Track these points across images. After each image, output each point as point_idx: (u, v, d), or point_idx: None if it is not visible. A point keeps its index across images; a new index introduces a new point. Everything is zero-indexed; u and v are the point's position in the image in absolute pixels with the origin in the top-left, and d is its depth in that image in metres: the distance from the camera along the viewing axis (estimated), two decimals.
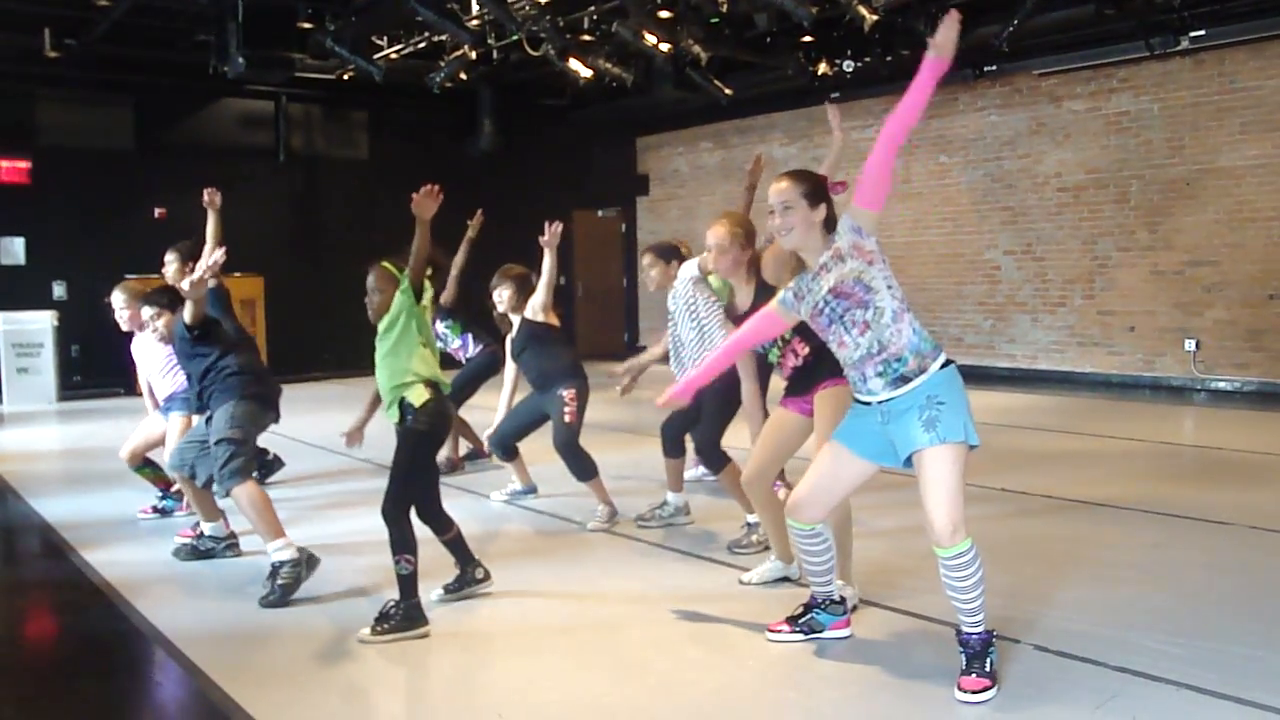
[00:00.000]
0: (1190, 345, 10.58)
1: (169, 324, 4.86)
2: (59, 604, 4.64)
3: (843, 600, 3.75)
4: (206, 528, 4.98)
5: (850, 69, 10.81)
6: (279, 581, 4.25)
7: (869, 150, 3.23)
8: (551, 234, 5.41)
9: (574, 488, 5.78)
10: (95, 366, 11.59)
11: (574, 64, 10.72)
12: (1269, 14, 9.41)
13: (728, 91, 11.64)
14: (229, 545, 4.99)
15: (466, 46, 10.49)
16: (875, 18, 8.80)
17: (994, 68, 11.36)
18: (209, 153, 12.45)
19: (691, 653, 3.64)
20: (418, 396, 3.89)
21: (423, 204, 3.79)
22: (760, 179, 5.05)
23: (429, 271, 3.99)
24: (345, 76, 11.80)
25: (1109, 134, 11.08)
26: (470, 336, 6.92)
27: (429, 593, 4.05)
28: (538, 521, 5.69)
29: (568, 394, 5.48)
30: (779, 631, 3.71)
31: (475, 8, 9.74)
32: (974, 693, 3.12)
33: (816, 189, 3.33)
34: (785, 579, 4.33)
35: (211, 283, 6.08)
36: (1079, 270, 11.41)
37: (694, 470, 6.00)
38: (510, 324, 5.78)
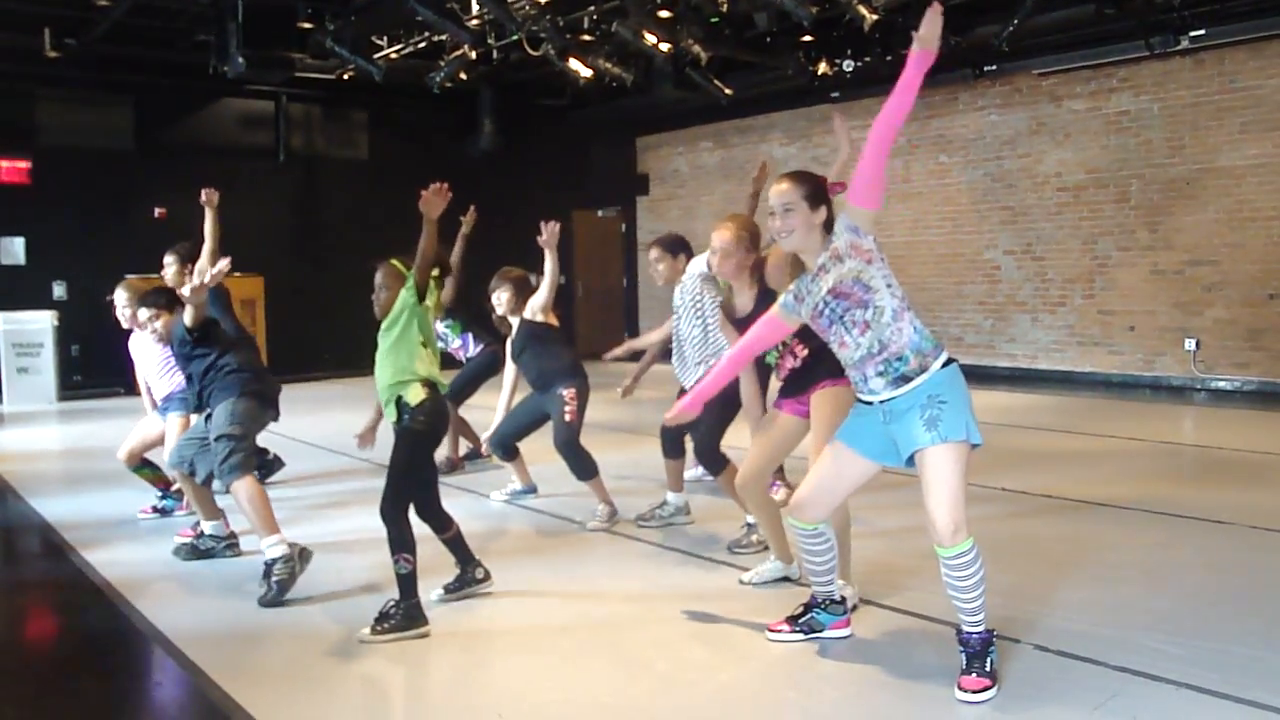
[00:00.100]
0: (1190, 345, 10.58)
1: (167, 325, 4.86)
2: (59, 604, 4.64)
3: (843, 600, 3.75)
4: (207, 526, 4.98)
5: (850, 69, 10.80)
6: (274, 579, 4.25)
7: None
8: (549, 233, 5.40)
9: (574, 487, 5.78)
10: (95, 366, 11.59)
11: (574, 64, 10.72)
12: (1269, 13, 9.41)
13: (728, 91, 11.64)
14: (229, 545, 4.99)
15: (466, 46, 10.49)
16: (875, 18, 8.80)
17: (994, 67, 11.35)
18: (209, 153, 12.45)
19: (692, 653, 3.64)
20: (414, 395, 3.89)
21: (431, 203, 3.77)
22: (765, 185, 5.04)
23: (435, 273, 3.98)
24: (345, 76, 11.80)
25: (1109, 133, 11.08)
26: (471, 336, 6.92)
27: (429, 592, 4.05)
28: (538, 521, 5.69)
29: (568, 393, 5.48)
30: (779, 631, 3.71)
31: (475, 7, 9.74)
32: (974, 692, 3.12)
33: (817, 191, 3.32)
34: (785, 579, 4.33)
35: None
36: (1079, 270, 11.41)
37: (694, 470, 5.99)
38: (510, 326, 5.78)
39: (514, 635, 3.88)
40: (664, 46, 10.00)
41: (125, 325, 5.62)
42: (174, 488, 5.75)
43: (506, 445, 5.91)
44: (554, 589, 4.43)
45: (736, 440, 5.11)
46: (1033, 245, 11.80)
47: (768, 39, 10.79)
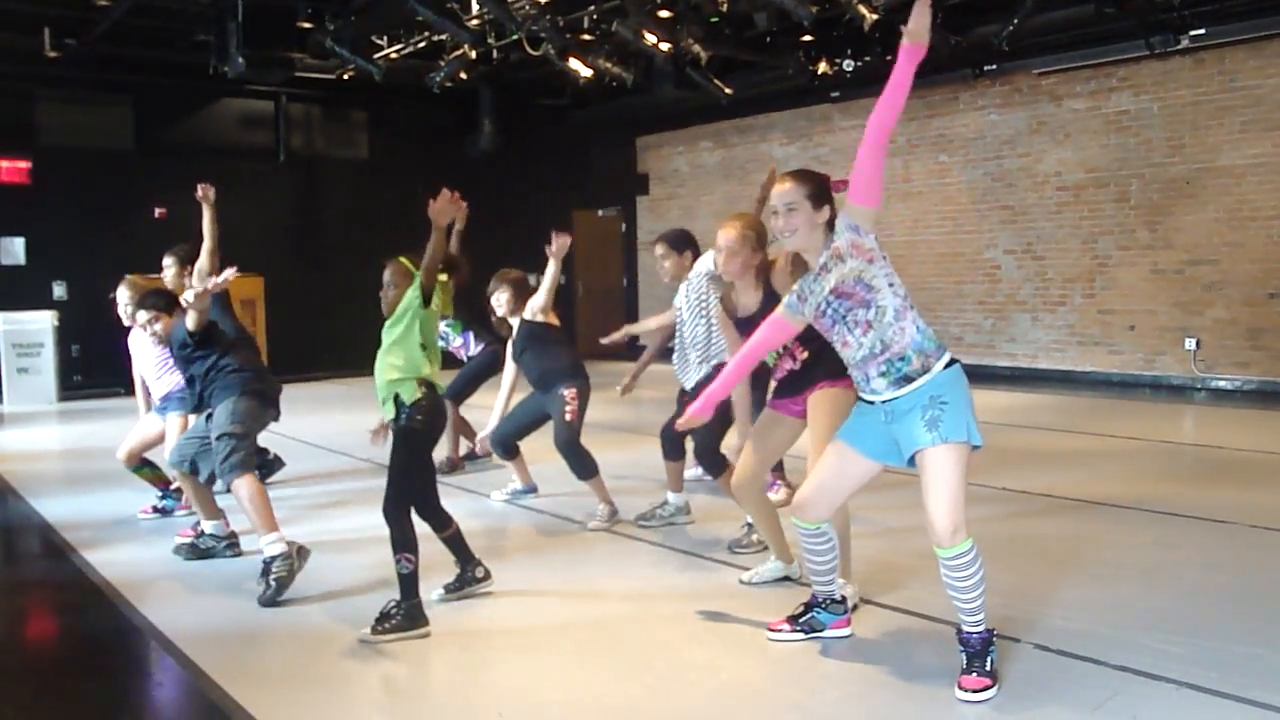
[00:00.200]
0: (1190, 344, 10.58)
1: (166, 327, 4.86)
2: (59, 604, 4.64)
3: (843, 599, 3.75)
4: (207, 526, 4.98)
5: (850, 68, 10.80)
6: (272, 577, 4.25)
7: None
8: (559, 245, 5.38)
9: (574, 487, 5.79)
10: (95, 366, 11.59)
11: (574, 64, 10.72)
12: (1269, 13, 9.41)
13: (728, 91, 11.64)
14: (229, 544, 4.99)
15: (466, 46, 10.48)
16: (875, 17, 8.79)
17: (994, 67, 11.35)
18: (209, 153, 12.45)
19: (692, 652, 3.64)
20: (410, 393, 3.89)
21: (442, 210, 3.77)
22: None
23: (443, 278, 3.98)
24: (345, 76, 11.79)
25: (1109, 133, 11.08)
26: (471, 335, 6.92)
27: (429, 592, 4.05)
28: (538, 521, 5.69)
29: (569, 393, 5.48)
30: (779, 631, 3.71)
31: (475, 7, 9.74)
32: (974, 692, 3.12)
33: (820, 190, 3.31)
34: (785, 579, 4.33)
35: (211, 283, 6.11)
36: (1079, 269, 11.41)
37: (694, 470, 5.99)
38: (510, 327, 5.78)
39: (514, 635, 3.88)
40: (664, 46, 10.00)
41: (126, 323, 5.62)
42: (174, 486, 5.75)
43: (507, 444, 5.91)
44: (554, 589, 4.43)
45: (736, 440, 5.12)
46: (1033, 245, 11.80)
47: (768, 39, 10.79)
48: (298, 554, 4.32)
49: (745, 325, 4.02)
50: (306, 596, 4.29)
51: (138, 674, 3.82)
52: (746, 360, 3.56)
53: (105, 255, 11.37)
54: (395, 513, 3.86)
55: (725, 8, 9.60)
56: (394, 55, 11.08)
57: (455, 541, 4.19)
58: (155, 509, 5.84)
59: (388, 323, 3.99)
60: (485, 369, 6.86)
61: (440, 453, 5.94)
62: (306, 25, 10.31)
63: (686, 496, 5.52)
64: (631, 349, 15.07)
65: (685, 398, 5.24)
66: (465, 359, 6.98)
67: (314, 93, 13.00)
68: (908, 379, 3.19)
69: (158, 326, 4.88)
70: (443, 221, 3.77)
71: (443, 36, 10.47)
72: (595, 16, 9.87)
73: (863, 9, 8.75)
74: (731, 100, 11.88)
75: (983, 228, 12.22)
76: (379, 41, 11.01)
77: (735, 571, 4.51)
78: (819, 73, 11.15)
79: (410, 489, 3.95)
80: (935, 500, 3.13)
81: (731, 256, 4.08)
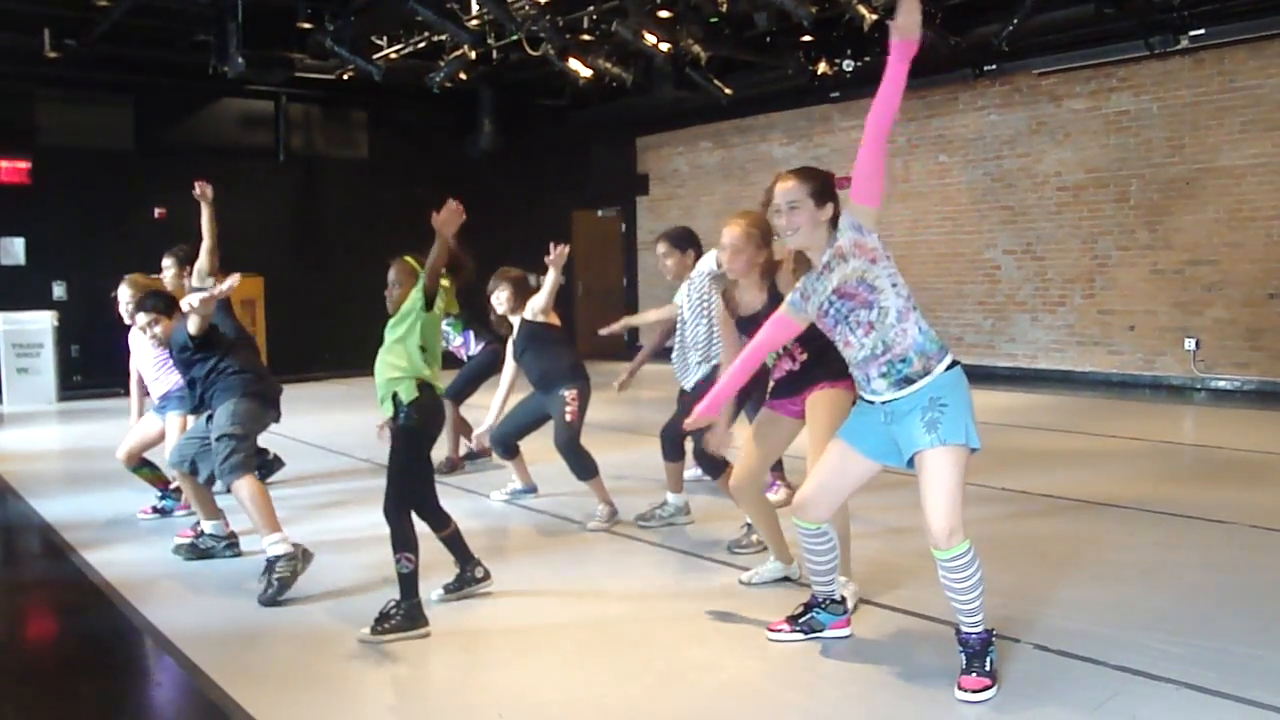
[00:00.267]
0: (1190, 344, 10.58)
1: (165, 330, 4.84)
2: (59, 604, 4.64)
3: (843, 600, 3.75)
4: (206, 526, 4.98)
5: (850, 69, 10.81)
6: (275, 576, 4.26)
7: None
8: (558, 254, 5.38)
9: (574, 487, 5.78)
10: (95, 366, 11.59)
11: (574, 64, 10.72)
12: (1269, 13, 9.41)
13: (728, 91, 11.64)
14: (229, 544, 4.98)
15: (466, 46, 10.49)
16: (875, 17, 8.80)
17: (994, 67, 11.35)
18: (209, 153, 12.45)
19: (691, 652, 3.64)
20: (408, 392, 3.90)
21: (447, 221, 3.78)
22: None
23: (447, 284, 3.99)
24: (345, 76, 11.80)
25: (1109, 133, 11.08)
26: (472, 334, 6.92)
27: (429, 592, 4.05)
28: (538, 521, 5.69)
29: (569, 394, 5.48)
30: (779, 631, 3.71)
31: (475, 7, 9.74)
32: (974, 692, 3.12)
33: (823, 187, 3.30)
34: (785, 579, 4.32)
35: (209, 282, 6.10)
36: (1079, 269, 11.41)
37: (693, 470, 5.99)
38: (509, 325, 5.77)
39: (514, 635, 3.88)
40: (664, 46, 10.00)
41: (128, 321, 5.61)
42: (173, 486, 5.75)
43: (507, 444, 5.91)
44: (554, 589, 4.43)
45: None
46: (1033, 245, 11.80)
47: (768, 39, 10.80)
48: (302, 556, 4.33)
49: (748, 324, 4.01)
50: (306, 596, 4.29)
51: (137, 674, 3.83)
52: (751, 359, 3.55)
53: (105, 255, 11.35)
54: (395, 512, 3.86)
55: (725, 8, 9.60)
56: (394, 55, 11.09)
57: (454, 541, 4.19)
58: (155, 509, 5.84)
59: (391, 321, 4.00)
60: (485, 368, 6.86)
61: (440, 452, 5.94)
62: (306, 25, 10.31)
63: (686, 497, 5.51)
64: (630, 349, 15.04)
65: (685, 398, 5.24)
66: (465, 358, 6.98)
67: (314, 93, 13.00)
68: (908, 380, 3.18)
69: (157, 329, 4.86)
70: (447, 232, 3.79)
71: (442, 36, 10.47)
72: (595, 16, 9.87)
73: (863, 9, 8.76)
74: (731, 100, 11.88)
75: (982, 228, 12.22)
76: (379, 42, 11.02)
77: (735, 572, 4.51)
78: (819, 73, 11.16)
79: (409, 488, 3.95)
80: (932, 502, 3.13)
81: (736, 254, 4.05)
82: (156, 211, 12.09)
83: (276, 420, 4.92)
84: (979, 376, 10.84)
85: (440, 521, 4.13)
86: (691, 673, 3.46)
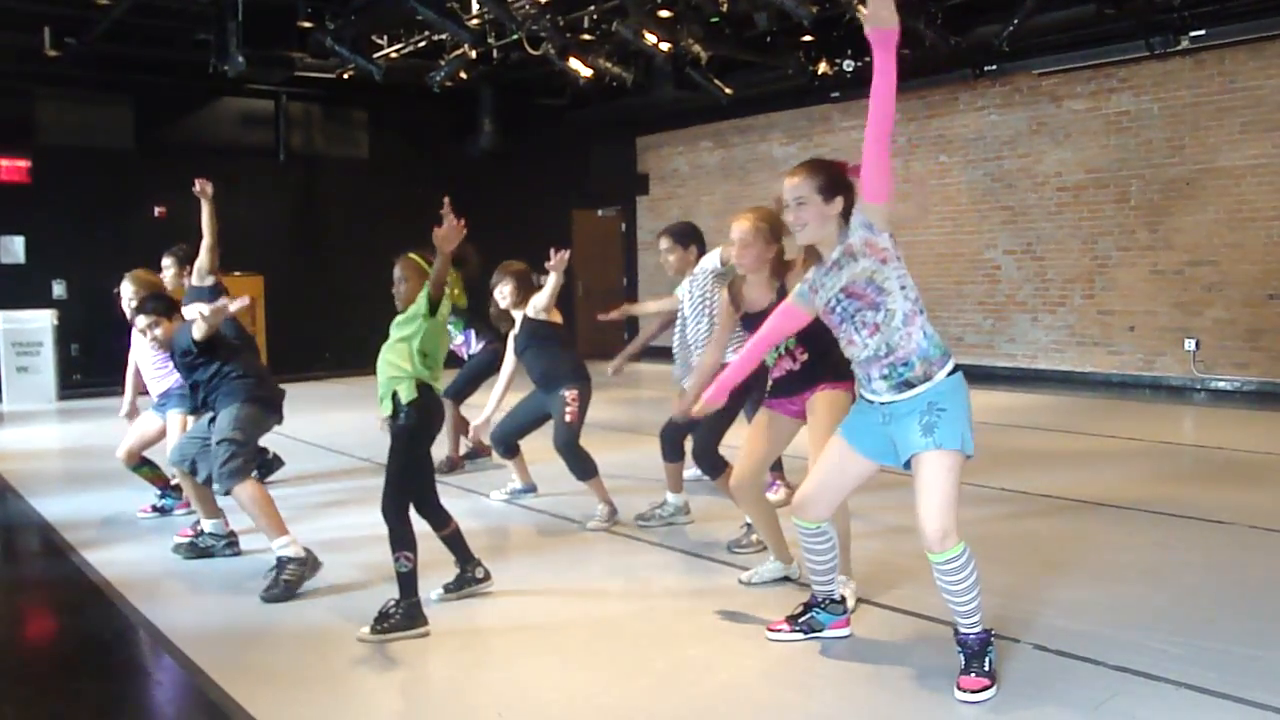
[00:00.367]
0: (1190, 345, 10.58)
1: (166, 332, 4.81)
2: (59, 603, 4.64)
3: (843, 599, 3.75)
4: (206, 525, 4.98)
5: (850, 69, 10.81)
6: (283, 577, 4.27)
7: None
8: (559, 259, 5.38)
9: (574, 487, 5.78)
10: (95, 365, 11.59)
11: (574, 63, 10.72)
12: (1269, 14, 9.41)
13: (728, 91, 11.64)
14: (229, 543, 4.99)
15: (466, 46, 10.49)
16: None
17: (994, 67, 11.35)
18: (209, 152, 12.44)
19: (691, 652, 3.64)
20: (407, 393, 3.91)
21: (447, 238, 3.78)
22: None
23: (453, 275, 4.01)
24: (345, 75, 11.80)
25: (1109, 134, 11.08)
26: (473, 333, 6.92)
27: (429, 592, 4.05)
28: (537, 520, 5.69)
29: (570, 394, 5.47)
30: (779, 631, 3.71)
31: (475, 7, 9.74)
32: (973, 692, 3.12)
33: (832, 181, 3.24)
34: (785, 579, 4.32)
35: (209, 280, 6.11)
36: (1079, 270, 11.41)
37: (693, 470, 5.99)
38: (511, 320, 5.76)
39: (514, 635, 3.88)
40: (664, 46, 10.00)
41: (130, 318, 5.60)
42: (173, 483, 5.74)
43: (508, 443, 5.90)
44: (554, 588, 4.43)
45: (735, 440, 5.11)
46: (1033, 245, 11.80)
47: (768, 39, 10.80)
48: (310, 563, 4.36)
49: (754, 321, 3.98)
50: (306, 595, 4.29)
51: (137, 673, 3.82)
52: (758, 348, 3.54)
53: (105, 254, 11.36)
54: (394, 511, 3.86)
55: (725, 8, 9.60)
56: (394, 55, 11.09)
57: (454, 540, 4.19)
58: (154, 508, 5.84)
59: (398, 318, 4.01)
60: (485, 368, 6.85)
61: (440, 452, 5.94)
62: (306, 24, 10.31)
63: (686, 497, 5.51)
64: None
65: (706, 388, 5.22)
66: (465, 357, 6.97)
67: (314, 92, 13.00)
68: (909, 384, 3.18)
69: (157, 331, 4.82)
70: (448, 248, 3.79)
71: (443, 36, 10.47)
72: (595, 16, 9.88)
73: (863, 9, 8.74)
74: (731, 100, 11.88)
75: (983, 228, 12.22)
76: (379, 41, 11.02)
77: (734, 571, 4.51)
78: (819, 73, 11.16)
79: (408, 488, 3.96)
80: (925, 505, 3.13)
81: (745, 248, 4.02)
82: (156, 210, 12.09)
83: (279, 422, 4.92)
84: (979, 376, 10.85)
85: (440, 520, 4.13)
86: (691, 673, 3.46)
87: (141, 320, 4.87)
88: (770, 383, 4.14)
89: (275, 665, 3.63)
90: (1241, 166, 10.14)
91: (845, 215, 3.23)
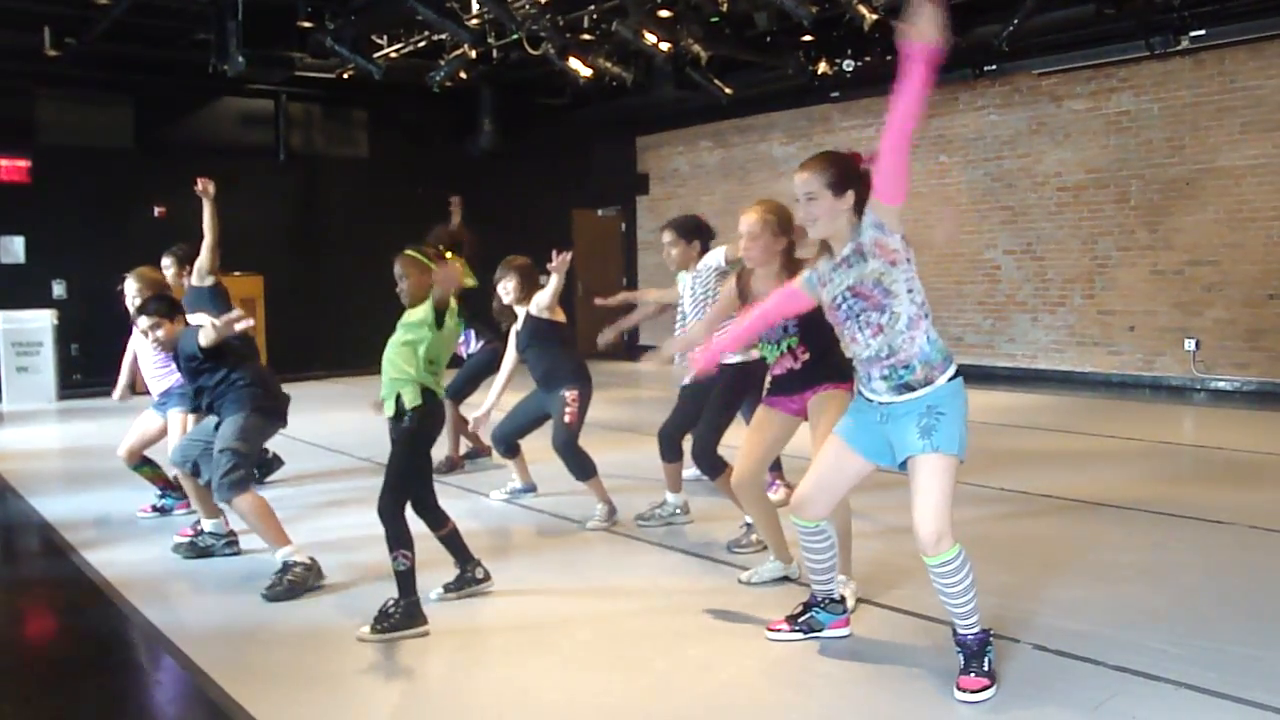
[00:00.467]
0: (1190, 345, 10.58)
1: (168, 333, 4.80)
2: (59, 603, 4.64)
3: (842, 599, 3.75)
4: (206, 525, 4.98)
5: (850, 68, 10.81)
6: (288, 577, 4.29)
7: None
8: (560, 261, 5.38)
9: (573, 486, 5.78)
10: (95, 365, 11.57)
11: (574, 63, 10.72)
12: (1269, 14, 9.41)
13: (728, 91, 11.64)
14: (229, 543, 4.99)
15: (466, 45, 10.49)
16: (875, 17, 8.80)
17: (994, 67, 11.35)
18: (209, 151, 12.44)
19: (691, 652, 3.64)
20: (411, 398, 3.92)
21: (448, 279, 3.85)
22: None
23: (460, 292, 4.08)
24: (345, 75, 11.80)
25: (1109, 134, 11.08)
26: (472, 333, 6.92)
27: (429, 592, 4.06)
28: (537, 520, 5.69)
29: (570, 395, 5.47)
30: (778, 630, 3.71)
31: (475, 7, 9.74)
32: (973, 692, 3.12)
33: (843, 175, 3.22)
34: (784, 578, 4.32)
35: (209, 280, 6.11)
36: (1079, 270, 11.41)
37: (691, 470, 5.99)
38: (514, 315, 5.75)
39: (513, 634, 3.88)
40: (664, 46, 10.00)
41: (133, 316, 5.59)
42: (174, 475, 5.73)
43: (509, 443, 5.90)
44: (553, 588, 4.43)
45: (734, 440, 5.11)
46: (1033, 245, 11.80)
47: (768, 38, 10.79)
48: (315, 571, 4.37)
49: None
50: (307, 595, 4.29)
51: (137, 673, 3.82)
52: (757, 324, 3.54)
53: (105, 254, 11.35)
54: (391, 510, 3.87)
55: (725, 8, 9.60)
56: (394, 54, 11.09)
57: (453, 541, 4.19)
58: (154, 508, 5.83)
59: (405, 319, 4.01)
60: (484, 367, 6.85)
61: (440, 452, 5.94)
62: (306, 24, 10.30)
63: (685, 496, 5.51)
64: (630, 349, 14.99)
65: (684, 395, 5.23)
66: (465, 356, 6.97)
67: (314, 92, 13.00)
68: (909, 387, 3.18)
69: (159, 333, 4.81)
70: (448, 289, 3.87)
71: (443, 36, 10.47)
72: (595, 16, 9.87)
73: (863, 9, 8.76)
74: (731, 100, 11.88)
75: (983, 228, 12.22)
76: (379, 40, 11.02)
77: (734, 571, 4.51)
78: (819, 73, 11.15)
79: (406, 489, 3.97)
80: (920, 507, 3.13)
81: (752, 240, 4.00)
82: (156, 210, 12.08)
83: (283, 427, 4.92)
84: (979, 377, 10.86)
85: (438, 521, 4.13)
86: (691, 672, 3.46)
87: (144, 321, 4.86)
88: (770, 380, 4.14)
89: (275, 665, 3.64)
90: (1241, 166, 10.14)
91: (858, 208, 3.21)
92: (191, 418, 5.41)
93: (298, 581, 4.30)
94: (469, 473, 6.88)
